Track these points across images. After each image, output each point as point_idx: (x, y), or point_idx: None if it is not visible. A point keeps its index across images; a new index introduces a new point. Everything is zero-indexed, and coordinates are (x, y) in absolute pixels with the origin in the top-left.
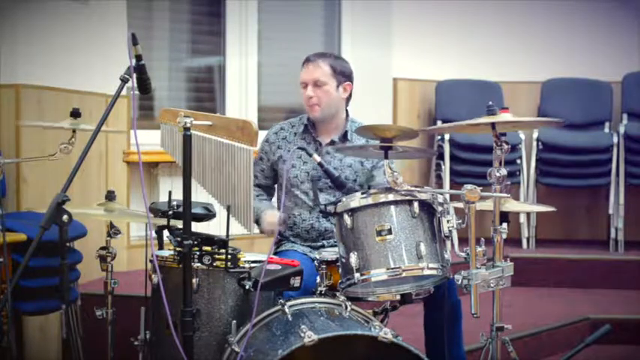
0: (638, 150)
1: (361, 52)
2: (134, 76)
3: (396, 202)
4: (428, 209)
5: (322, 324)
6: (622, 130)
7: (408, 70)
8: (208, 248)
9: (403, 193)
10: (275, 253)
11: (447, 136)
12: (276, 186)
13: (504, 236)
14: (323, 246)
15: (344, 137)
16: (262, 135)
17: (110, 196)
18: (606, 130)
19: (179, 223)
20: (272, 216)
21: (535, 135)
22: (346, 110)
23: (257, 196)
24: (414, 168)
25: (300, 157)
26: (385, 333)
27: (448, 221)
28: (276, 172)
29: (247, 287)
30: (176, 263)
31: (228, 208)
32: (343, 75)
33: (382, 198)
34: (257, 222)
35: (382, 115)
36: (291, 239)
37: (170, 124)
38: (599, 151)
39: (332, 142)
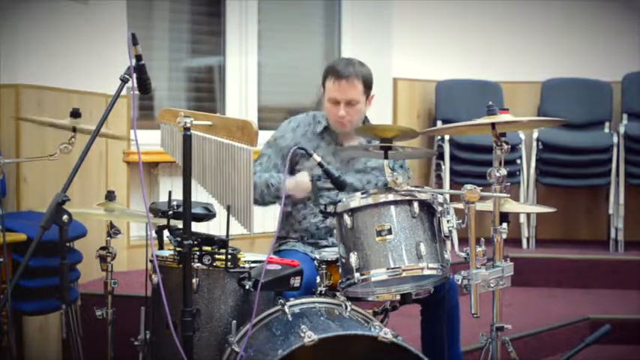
0: (638, 150)
1: (361, 52)
2: (134, 76)
3: (396, 202)
4: (428, 209)
5: (322, 324)
6: (622, 130)
7: (408, 70)
8: (208, 248)
9: (403, 193)
10: (276, 252)
11: (446, 136)
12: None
13: (504, 236)
14: (325, 245)
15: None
16: (262, 135)
17: (110, 196)
18: (606, 130)
19: (179, 223)
20: (303, 175)
21: (535, 135)
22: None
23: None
24: (414, 168)
25: (304, 155)
26: (385, 333)
27: (448, 221)
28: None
29: (247, 287)
30: (176, 263)
31: (228, 208)
32: (370, 87)
33: (382, 198)
34: (277, 196)
35: (382, 115)
36: (293, 236)
37: (170, 124)
38: (599, 151)
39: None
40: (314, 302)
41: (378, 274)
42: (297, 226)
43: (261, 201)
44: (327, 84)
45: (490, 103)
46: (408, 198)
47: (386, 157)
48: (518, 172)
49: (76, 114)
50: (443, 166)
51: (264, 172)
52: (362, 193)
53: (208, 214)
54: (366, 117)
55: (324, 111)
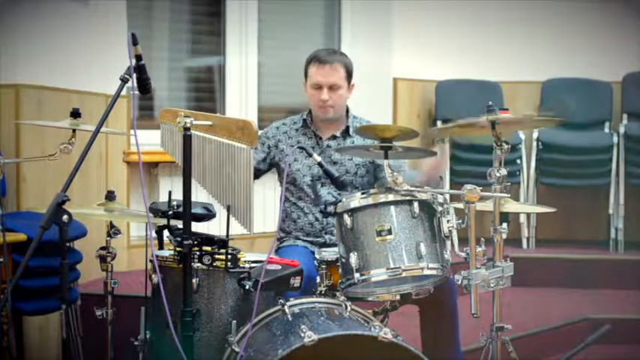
0: (638, 150)
1: (361, 52)
2: (134, 76)
3: (396, 202)
4: (428, 209)
5: (322, 324)
6: (622, 130)
7: (408, 70)
8: (208, 248)
9: (403, 193)
10: (278, 249)
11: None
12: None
13: (504, 236)
14: (325, 243)
15: (346, 132)
16: None
17: (110, 196)
18: (606, 130)
19: (179, 223)
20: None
21: (535, 135)
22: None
23: None
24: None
25: (302, 153)
26: (385, 333)
27: (448, 221)
28: (270, 162)
29: (247, 287)
30: (176, 263)
31: (228, 208)
32: (351, 76)
33: (382, 198)
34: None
35: (382, 115)
36: (294, 233)
37: (170, 124)
38: (599, 151)
39: (333, 137)
40: (314, 302)
41: (378, 274)
42: (292, 225)
43: None
44: (310, 70)
45: (490, 103)
46: (408, 198)
47: (386, 157)
48: (518, 172)
49: (76, 114)
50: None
51: None
52: (362, 193)
53: (208, 214)
54: (347, 108)
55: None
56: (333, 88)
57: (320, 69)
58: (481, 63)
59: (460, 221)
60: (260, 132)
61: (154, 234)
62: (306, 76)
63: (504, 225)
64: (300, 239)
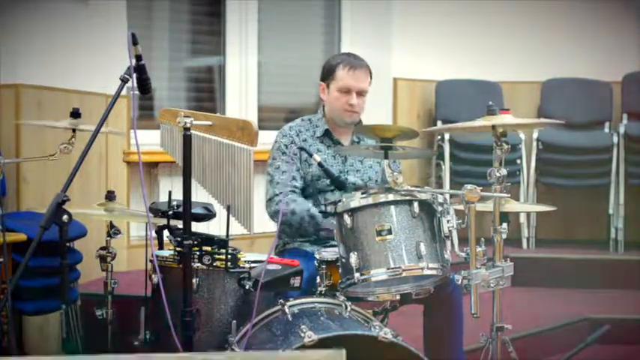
0: (638, 150)
1: (361, 52)
2: (134, 76)
3: (396, 202)
4: (428, 209)
5: (322, 324)
6: (622, 130)
7: (408, 70)
8: (208, 248)
9: (403, 193)
10: (282, 252)
11: (447, 136)
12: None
13: (504, 236)
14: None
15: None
16: (262, 135)
17: (110, 196)
18: (606, 130)
19: (179, 223)
20: None
21: (535, 135)
22: None
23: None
24: (413, 168)
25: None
26: (385, 333)
27: (448, 221)
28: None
29: (247, 287)
30: (176, 263)
31: (228, 208)
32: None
33: (382, 198)
34: (318, 229)
35: (382, 115)
36: (298, 239)
37: (170, 124)
38: (599, 151)
39: (352, 143)
40: (314, 302)
41: (378, 274)
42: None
43: (297, 228)
44: (338, 74)
45: (490, 103)
46: (408, 198)
47: (386, 157)
48: (518, 172)
49: (76, 114)
50: (443, 166)
51: (286, 188)
52: (362, 193)
53: (208, 214)
54: None
55: (328, 107)
56: (360, 93)
57: (351, 73)
58: (481, 63)
59: (460, 221)
60: (280, 149)
61: (154, 234)
62: (327, 78)
63: (504, 225)
64: (306, 243)
